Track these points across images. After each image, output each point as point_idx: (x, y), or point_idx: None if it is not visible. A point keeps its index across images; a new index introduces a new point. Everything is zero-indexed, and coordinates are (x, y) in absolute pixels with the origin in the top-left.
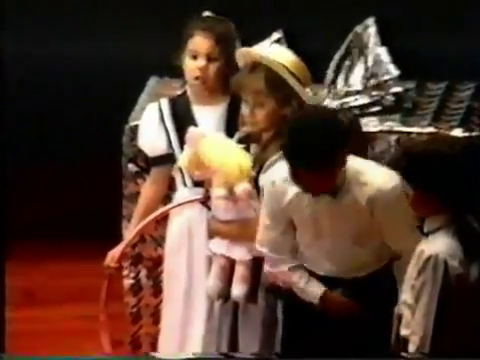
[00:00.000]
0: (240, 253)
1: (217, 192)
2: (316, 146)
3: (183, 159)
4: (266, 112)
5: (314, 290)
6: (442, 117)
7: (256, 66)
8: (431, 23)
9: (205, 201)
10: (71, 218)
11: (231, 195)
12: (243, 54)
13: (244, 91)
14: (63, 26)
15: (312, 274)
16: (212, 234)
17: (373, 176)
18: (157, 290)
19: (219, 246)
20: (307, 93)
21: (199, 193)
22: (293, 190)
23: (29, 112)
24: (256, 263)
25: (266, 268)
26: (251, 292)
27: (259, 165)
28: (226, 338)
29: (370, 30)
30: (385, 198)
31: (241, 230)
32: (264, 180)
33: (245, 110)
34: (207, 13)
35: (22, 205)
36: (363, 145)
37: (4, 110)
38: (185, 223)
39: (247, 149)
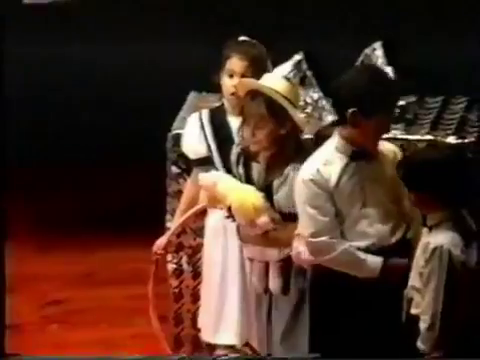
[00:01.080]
0: (272, 256)
1: (240, 222)
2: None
3: (203, 198)
4: (267, 133)
5: (374, 261)
6: (439, 126)
7: (256, 94)
8: (429, 46)
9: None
10: (124, 213)
11: (252, 224)
12: (244, 84)
13: (246, 115)
14: (114, 41)
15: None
16: (244, 240)
17: (395, 147)
18: (196, 274)
19: (253, 252)
20: (299, 114)
21: None
22: (336, 169)
23: (98, 123)
24: (286, 262)
25: (320, 258)
26: (284, 286)
27: (265, 184)
28: (263, 320)
29: (377, 52)
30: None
31: (268, 240)
32: (303, 178)
33: (246, 132)
34: (242, 38)
35: (83, 201)
36: None
37: (76, 119)
38: (221, 218)
39: (246, 165)
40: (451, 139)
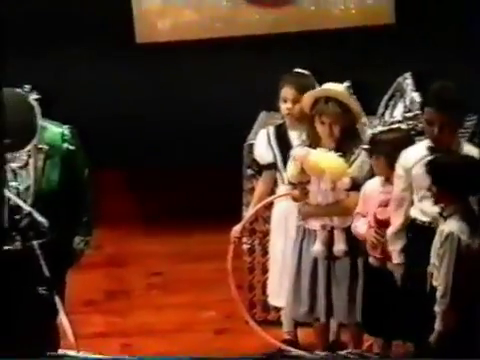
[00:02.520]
0: (338, 223)
1: (325, 186)
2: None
3: (291, 171)
4: (340, 127)
5: None
6: None
7: (328, 98)
8: (446, 77)
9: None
10: (212, 205)
11: (333, 186)
12: (319, 92)
13: (323, 116)
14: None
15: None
16: (305, 217)
17: (471, 149)
18: (265, 252)
19: (321, 222)
20: (358, 109)
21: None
22: (417, 156)
23: (195, 136)
24: (348, 229)
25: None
26: (346, 249)
27: None
28: (323, 288)
29: (407, 81)
30: None
31: (337, 208)
32: (402, 162)
33: (322, 129)
34: (297, 69)
35: (181, 196)
36: None
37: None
38: (283, 208)
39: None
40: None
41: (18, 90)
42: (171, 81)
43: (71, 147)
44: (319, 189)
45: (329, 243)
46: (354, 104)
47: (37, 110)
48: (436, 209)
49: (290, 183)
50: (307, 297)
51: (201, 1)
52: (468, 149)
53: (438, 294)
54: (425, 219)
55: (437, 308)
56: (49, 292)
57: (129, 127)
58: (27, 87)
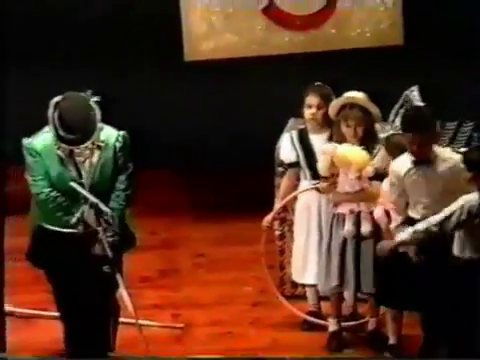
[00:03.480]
0: (364, 208)
1: (352, 175)
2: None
3: (321, 165)
4: (363, 129)
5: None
6: (454, 141)
7: (353, 105)
8: (448, 88)
9: (317, 188)
10: (249, 198)
11: (359, 175)
12: (346, 99)
13: (348, 119)
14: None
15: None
16: (337, 203)
17: (451, 154)
18: (293, 237)
19: (349, 207)
20: (376, 111)
21: (313, 184)
22: (406, 167)
23: (237, 142)
24: (372, 214)
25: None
26: (372, 230)
27: None
28: (352, 264)
29: (414, 93)
30: (459, 168)
31: (363, 195)
32: (394, 171)
33: (348, 131)
34: (317, 83)
35: (226, 190)
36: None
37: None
38: (305, 200)
39: None
40: (462, 150)
41: (81, 94)
42: (213, 92)
43: (122, 147)
44: (347, 179)
45: (357, 225)
46: (373, 108)
47: (97, 111)
48: (428, 211)
49: (320, 176)
50: (337, 273)
51: (239, 26)
52: (445, 153)
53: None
54: (419, 217)
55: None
56: (111, 270)
57: (179, 132)
58: (89, 91)
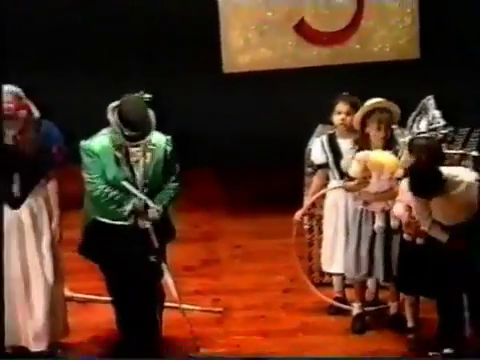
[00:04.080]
0: (393, 205)
1: (384, 177)
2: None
3: (355, 169)
4: (390, 130)
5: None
6: (466, 145)
7: (382, 109)
8: (460, 97)
9: (344, 188)
10: (281, 195)
11: (390, 176)
12: (375, 104)
13: (380, 122)
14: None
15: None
16: (367, 202)
17: (463, 177)
18: (320, 231)
19: (379, 206)
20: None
21: (340, 183)
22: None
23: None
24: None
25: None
26: (400, 224)
27: None
28: (381, 256)
29: (430, 101)
30: (471, 189)
31: (392, 194)
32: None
33: (378, 134)
34: (345, 93)
35: (260, 187)
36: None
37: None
38: (334, 198)
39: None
40: (474, 153)
41: (137, 95)
42: (249, 100)
43: (172, 150)
44: (378, 180)
45: (386, 221)
46: (395, 107)
47: (151, 112)
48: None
49: (351, 178)
50: (366, 263)
51: (273, 41)
52: (457, 176)
53: None
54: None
55: None
56: (157, 260)
57: (220, 135)
58: (141, 92)
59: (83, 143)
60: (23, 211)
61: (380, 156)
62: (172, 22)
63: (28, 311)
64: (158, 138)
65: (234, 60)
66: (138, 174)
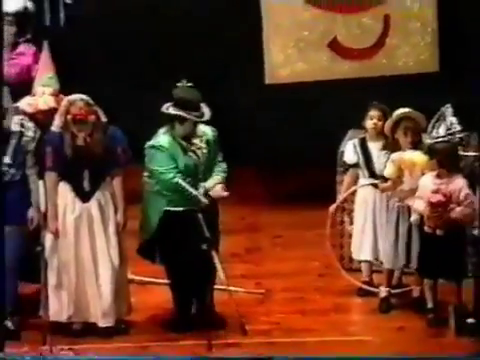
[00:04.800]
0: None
1: (416, 175)
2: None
3: (389, 170)
4: (416, 135)
5: None
6: None
7: (408, 118)
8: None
9: (374, 185)
10: (316, 190)
11: (422, 173)
12: (401, 113)
13: (406, 129)
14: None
15: None
16: (401, 199)
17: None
18: (351, 223)
19: (409, 201)
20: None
21: (369, 181)
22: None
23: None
24: None
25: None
26: (421, 218)
27: None
28: (417, 246)
29: (448, 109)
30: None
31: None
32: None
33: (405, 138)
34: (375, 102)
35: (301, 183)
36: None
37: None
38: (364, 194)
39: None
40: None
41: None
42: (288, 107)
43: (218, 140)
44: (411, 178)
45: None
46: (421, 116)
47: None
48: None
49: (379, 178)
50: (404, 253)
51: (309, 56)
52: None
53: None
54: None
55: None
56: (208, 247)
57: (262, 137)
58: (184, 81)
59: (151, 143)
60: (92, 204)
61: (412, 155)
62: (224, 40)
63: (97, 292)
64: (206, 129)
65: (275, 73)
66: (202, 159)
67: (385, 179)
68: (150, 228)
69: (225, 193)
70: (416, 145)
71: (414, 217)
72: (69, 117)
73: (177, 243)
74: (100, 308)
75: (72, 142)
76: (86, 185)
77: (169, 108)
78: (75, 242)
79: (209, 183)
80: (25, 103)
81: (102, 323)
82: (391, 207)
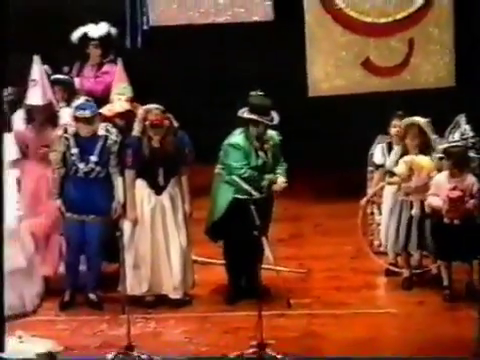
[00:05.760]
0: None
1: (422, 176)
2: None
3: (401, 169)
4: (419, 141)
5: None
6: None
7: (414, 123)
8: None
9: (387, 182)
10: (350, 187)
11: (426, 176)
12: (406, 121)
13: (414, 134)
14: None
15: None
16: (408, 194)
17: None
18: (380, 214)
19: (418, 197)
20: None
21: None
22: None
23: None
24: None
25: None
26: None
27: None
28: (416, 234)
29: (462, 118)
30: None
31: (426, 188)
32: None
33: (411, 142)
34: (399, 111)
35: (338, 181)
36: None
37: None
38: (389, 191)
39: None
40: None
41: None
42: (329, 116)
43: (279, 140)
44: (418, 178)
45: (421, 208)
46: (426, 124)
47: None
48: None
49: (393, 175)
50: (403, 240)
51: (346, 73)
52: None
53: None
54: None
55: None
56: (259, 234)
57: (307, 142)
58: (257, 90)
59: (229, 141)
60: (165, 196)
61: (421, 160)
62: (276, 59)
63: (169, 269)
64: (273, 133)
65: (317, 87)
66: (269, 158)
67: (392, 174)
68: (218, 213)
69: (285, 185)
70: (423, 149)
71: (415, 210)
72: (147, 123)
73: (237, 226)
74: (172, 283)
75: (149, 144)
76: (160, 180)
77: (245, 113)
78: (151, 228)
79: (272, 176)
80: (105, 109)
81: (173, 295)
82: (396, 200)
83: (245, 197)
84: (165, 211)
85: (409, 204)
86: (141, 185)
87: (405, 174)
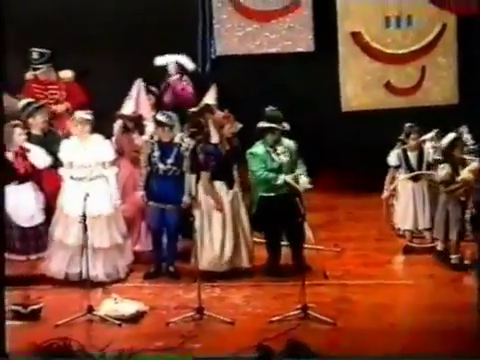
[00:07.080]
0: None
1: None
2: None
3: (467, 175)
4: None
5: None
6: None
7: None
8: None
9: (411, 178)
10: (375, 184)
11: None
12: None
13: (460, 148)
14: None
15: None
16: (465, 195)
17: None
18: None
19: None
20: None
21: (409, 175)
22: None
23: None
24: None
25: None
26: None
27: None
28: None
29: (465, 129)
30: None
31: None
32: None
33: (458, 155)
34: (412, 124)
35: (360, 179)
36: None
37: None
38: (404, 184)
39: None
40: None
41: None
42: (357, 129)
43: (297, 147)
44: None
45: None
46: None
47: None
48: None
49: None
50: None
51: (371, 93)
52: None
53: None
54: None
55: None
56: (302, 220)
57: (340, 149)
58: (272, 107)
59: (249, 150)
60: (236, 188)
61: (466, 170)
62: (316, 82)
63: (244, 246)
64: (290, 142)
65: (349, 104)
66: (285, 162)
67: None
68: (253, 208)
69: (309, 186)
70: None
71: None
72: (224, 131)
73: (269, 217)
74: (245, 256)
75: (224, 148)
76: (235, 174)
77: (262, 123)
78: (229, 214)
79: (291, 176)
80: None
81: (247, 265)
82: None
83: (271, 194)
84: (239, 201)
85: (459, 202)
86: (218, 184)
87: (473, 180)
